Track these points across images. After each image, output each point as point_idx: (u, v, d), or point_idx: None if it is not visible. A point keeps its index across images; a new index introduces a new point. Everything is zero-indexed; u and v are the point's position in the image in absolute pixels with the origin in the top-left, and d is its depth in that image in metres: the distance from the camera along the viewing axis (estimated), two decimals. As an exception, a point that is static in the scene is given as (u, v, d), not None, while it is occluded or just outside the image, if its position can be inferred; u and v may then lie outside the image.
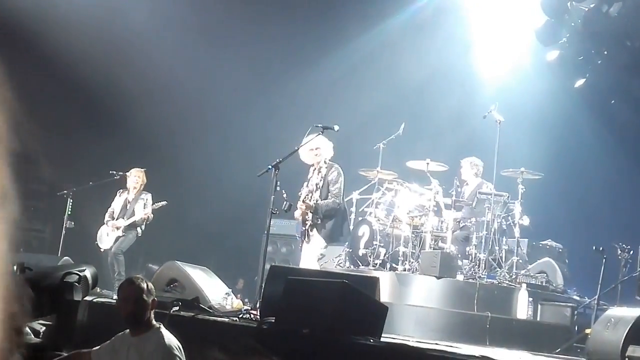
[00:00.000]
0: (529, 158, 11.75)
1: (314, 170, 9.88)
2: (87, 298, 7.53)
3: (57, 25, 13.06)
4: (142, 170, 11.98)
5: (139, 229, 11.70)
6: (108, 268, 11.33)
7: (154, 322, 5.39)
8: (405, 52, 14.87)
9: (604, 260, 9.35)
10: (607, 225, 12.52)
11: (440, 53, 14.77)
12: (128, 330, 5.41)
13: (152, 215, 11.67)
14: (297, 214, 9.69)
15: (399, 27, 14.91)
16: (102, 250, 11.67)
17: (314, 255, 9.82)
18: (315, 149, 9.60)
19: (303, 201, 9.63)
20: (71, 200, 11.89)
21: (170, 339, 5.30)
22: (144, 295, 5.35)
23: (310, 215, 9.58)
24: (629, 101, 13.37)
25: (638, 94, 13.14)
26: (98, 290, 8.52)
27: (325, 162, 9.80)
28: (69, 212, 11.92)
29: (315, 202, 9.56)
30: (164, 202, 11.74)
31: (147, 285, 5.42)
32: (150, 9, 13.68)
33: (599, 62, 13.47)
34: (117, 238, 11.59)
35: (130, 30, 13.60)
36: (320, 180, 9.73)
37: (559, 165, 12.92)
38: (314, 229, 9.66)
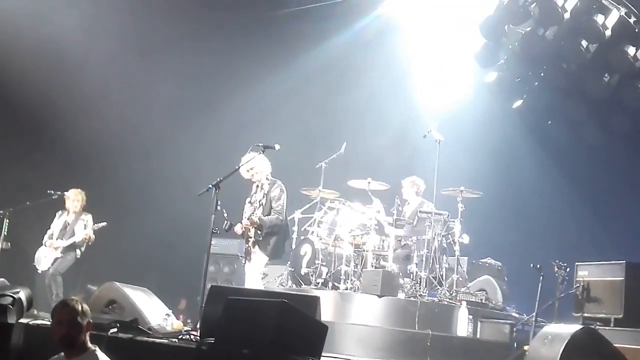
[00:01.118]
0: (468, 177, 11.88)
1: (256, 187, 9.89)
2: (22, 320, 7.36)
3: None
4: (81, 192, 11.81)
5: (78, 250, 11.52)
6: (45, 289, 11.11)
7: (89, 344, 5.30)
8: (347, 72, 14.99)
9: (541, 277, 9.50)
10: (544, 243, 12.71)
11: (381, 73, 14.92)
12: (63, 353, 5.31)
13: (93, 236, 11.50)
14: (238, 228, 9.65)
15: (341, 46, 14.99)
16: (39, 271, 11.44)
17: (257, 273, 9.79)
18: (251, 169, 9.64)
19: (248, 218, 9.60)
20: (7, 221, 11.63)
21: (105, 361, 5.23)
22: (79, 317, 5.26)
23: (252, 231, 9.57)
24: (564, 122, 13.64)
25: (573, 115, 13.40)
26: (34, 312, 8.33)
27: (267, 179, 9.82)
28: (5, 233, 11.66)
29: (259, 218, 9.56)
30: (104, 223, 11.59)
31: (82, 307, 5.32)
32: (86, 26, 13.46)
33: (536, 83, 13.74)
34: (56, 259, 11.38)
35: (65, 47, 13.37)
36: (263, 197, 9.74)
37: (498, 184, 13.11)
38: (256, 246, 9.64)
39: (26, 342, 7.49)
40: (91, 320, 5.36)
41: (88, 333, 5.31)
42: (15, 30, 13.03)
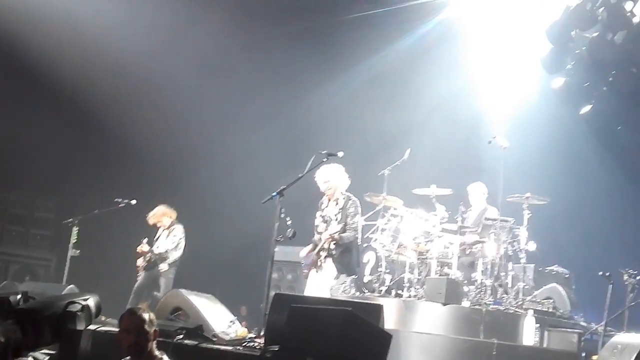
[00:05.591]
0: (534, 183, 11.70)
1: (328, 200, 9.90)
2: (91, 327, 7.50)
3: (60, 50, 13.10)
4: (160, 207, 12.12)
5: (163, 264, 11.89)
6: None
7: (156, 352, 5.38)
8: (410, 78, 14.89)
9: (610, 285, 9.31)
10: (613, 251, 12.46)
11: (445, 79, 14.80)
12: (129, 357, 5.40)
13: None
14: (303, 252, 9.75)
15: (403, 52, 14.93)
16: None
17: (326, 284, 9.80)
18: (325, 182, 9.66)
19: (330, 234, 9.62)
20: (77, 229, 11.89)
21: (172, 368, 5.29)
22: (146, 325, 5.34)
23: (331, 245, 9.59)
24: (634, 128, 13.35)
25: (643, 121, 13.14)
26: (102, 318, 8.49)
27: (342, 194, 9.84)
28: (75, 241, 11.92)
29: (339, 235, 9.59)
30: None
31: (149, 316, 5.40)
32: (156, 38, 13.68)
33: (605, 89, 13.45)
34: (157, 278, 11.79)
35: (134, 56, 13.62)
36: (338, 212, 9.75)
37: (565, 191, 12.87)
38: (328, 259, 9.67)
39: (94, 347, 7.66)
40: (157, 329, 5.44)
41: (155, 341, 5.38)
42: (91, 45, 13.33)
